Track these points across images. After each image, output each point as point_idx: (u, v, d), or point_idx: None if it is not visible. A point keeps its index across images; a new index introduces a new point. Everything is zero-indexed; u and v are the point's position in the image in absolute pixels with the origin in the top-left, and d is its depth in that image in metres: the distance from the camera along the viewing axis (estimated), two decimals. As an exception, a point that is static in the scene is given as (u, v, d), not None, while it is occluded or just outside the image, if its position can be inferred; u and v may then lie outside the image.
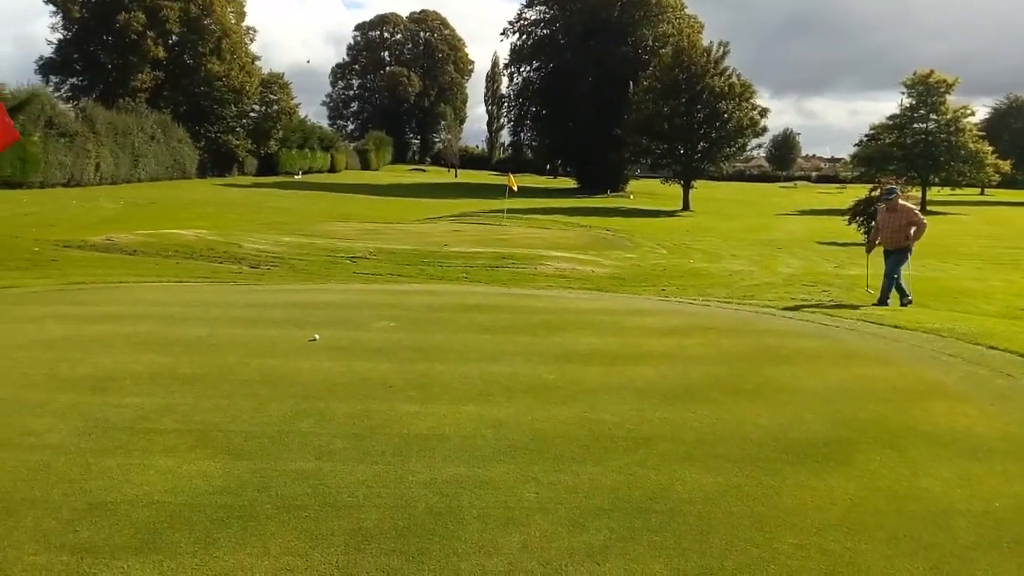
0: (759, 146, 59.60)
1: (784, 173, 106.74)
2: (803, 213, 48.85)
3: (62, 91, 53.53)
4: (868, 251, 12.17)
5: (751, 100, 49.51)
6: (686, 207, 48.96)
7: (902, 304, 11.15)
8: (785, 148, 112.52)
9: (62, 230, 19.70)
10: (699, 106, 48.84)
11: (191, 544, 3.24)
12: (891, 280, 11.09)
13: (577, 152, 64.68)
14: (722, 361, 6.67)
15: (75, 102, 48.51)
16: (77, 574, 2.98)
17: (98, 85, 53.78)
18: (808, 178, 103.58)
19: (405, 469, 4.11)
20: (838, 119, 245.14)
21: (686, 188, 50.42)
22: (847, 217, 26.55)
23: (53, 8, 53.47)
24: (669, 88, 48.39)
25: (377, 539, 3.33)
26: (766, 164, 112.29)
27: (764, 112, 50.53)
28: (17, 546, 3.18)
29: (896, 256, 11.15)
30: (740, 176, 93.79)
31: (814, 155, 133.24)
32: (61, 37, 54.79)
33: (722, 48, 49.34)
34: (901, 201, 11.43)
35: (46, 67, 54.34)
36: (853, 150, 60.01)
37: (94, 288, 10.67)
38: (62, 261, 14.07)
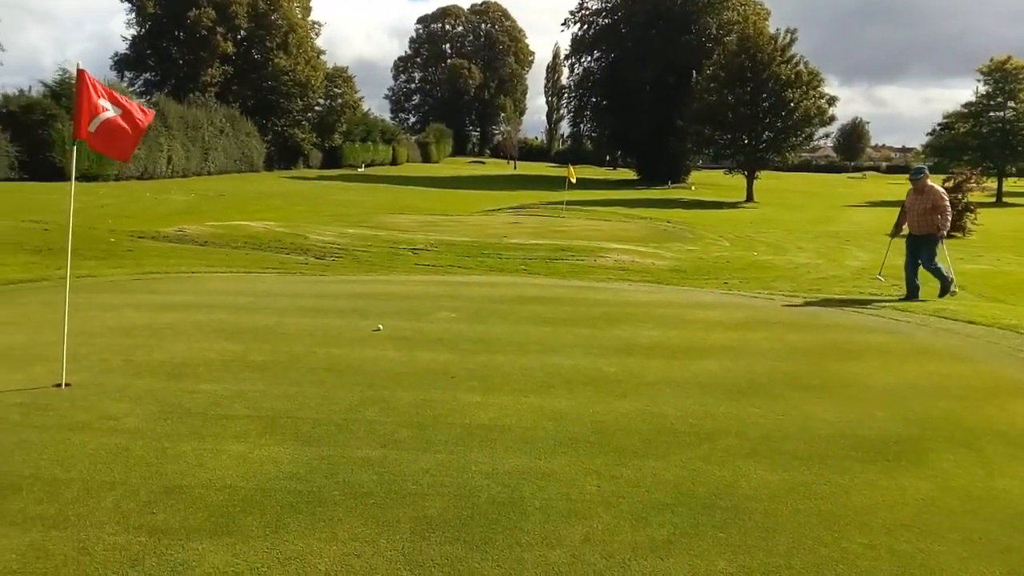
0: (826, 136, 57.88)
1: (852, 163, 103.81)
2: (872, 204, 47.32)
3: (136, 86, 55.39)
4: (893, 235, 11.51)
5: (818, 88, 48.10)
6: (750, 198, 47.98)
7: (941, 295, 10.46)
8: (854, 137, 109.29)
9: (136, 221, 20.41)
10: (764, 95, 47.69)
11: (262, 528, 3.34)
12: (935, 272, 10.50)
13: (637, 143, 63.96)
14: (788, 356, 6.54)
15: (148, 97, 50.17)
16: (155, 554, 3.10)
17: (170, 80, 55.45)
18: (877, 168, 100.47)
19: (467, 459, 4.15)
20: (910, 107, 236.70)
21: (750, 179, 49.39)
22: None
23: (128, 5, 55.36)
24: (733, 77, 47.38)
25: (441, 527, 3.37)
26: (833, 154, 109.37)
27: (832, 100, 49.03)
28: (99, 526, 3.32)
29: (926, 245, 10.39)
30: (806, 167, 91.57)
31: (884, 145, 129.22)
32: (135, 33, 56.70)
33: (789, 35, 48.06)
34: (930, 183, 10.67)
35: (121, 63, 56.29)
36: (925, 139, 57.91)
37: (168, 278, 11.04)
38: (137, 251, 14.58)
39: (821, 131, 51.18)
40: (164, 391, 5.18)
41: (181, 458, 4.07)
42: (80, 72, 5.13)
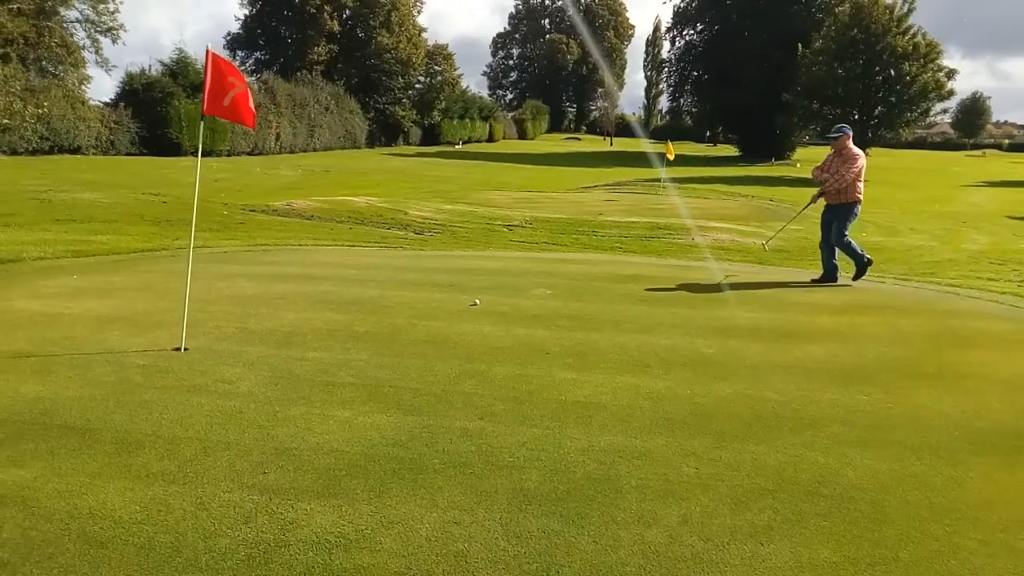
0: (944, 111, 54.42)
1: (971, 141, 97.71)
2: (992, 184, 44.39)
3: (247, 65, 57.63)
4: (812, 201, 9.73)
5: (937, 61, 45.36)
6: (859, 177, 45.94)
7: (857, 276, 9.18)
8: (973, 113, 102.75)
9: (247, 195, 21.32)
10: (878, 68, 45.37)
11: (366, 492, 3.46)
12: (843, 247, 9.09)
13: (740, 118, 61.98)
14: (899, 342, 6.26)
15: (258, 75, 52.08)
16: (267, 512, 3.26)
17: (278, 59, 57.41)
18: (999, 146, 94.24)
19: (563, 434, 4.18)
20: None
21: (860, 156, 47.27)
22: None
23: (241, -15, 57.48)
24: (845, 49, 45.24)
25: (538, 500, 3.42)
26: (951, 131, 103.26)
27: (951, 74, 46.18)
28: (214, 483, 3.52)
29: (837, 215, 9.07)
30: (920, 143, 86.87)
31: (1006, 121, 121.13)
32: (247, 13, 58.87)
33: (907, 5, 45.46)
34: (849, 144, 9.13)
35: (233, 42, 58.67)
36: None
37: (277, 250, 11.51)
38: (248, 224, 15.25)
39: (938, 106, 48.35)
40: (275, 357, 5.43)
41: (291, 422, 4.26)
42: (208, 52, 5.38)
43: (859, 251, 9.18)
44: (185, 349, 5.51)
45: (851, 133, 9.26)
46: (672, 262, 11.62)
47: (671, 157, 31.11)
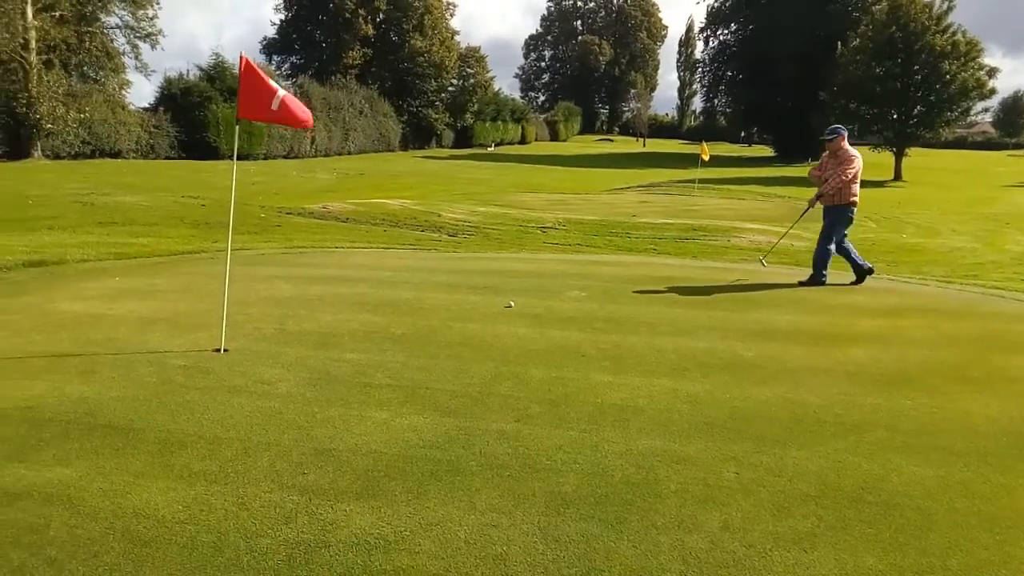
0: (985, 110, 53.26)
1: (1013, 140, 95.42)
2: (1038, 184, 43.39)
3: (283, 69, 58.46)
4: (810, 206, 9.43)
5: (977, 59, 44.31)
6: (897, 176, 45.10)
7: (807, 282, 8.87)
8: (1015, 112, 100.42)
9: (284, 198, 21.59)
10: (916, 67, 44.47)
11: (405, 493, 3.47)
12: (831, 249, 8.84)
13: (775, 118, 61.33)
14: (944, 346, 6.12)
15: (293, 79, 52.76)
16: (307, 513, 3.28)
17: (313, 63, 58.12)
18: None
19: (600, 438, 4.15)
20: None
21: (898, 156, 46.38)
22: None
23: (277, -10, 58.28)
24: (883, 47, 44.43)
25: (576, 504, 3.39)
26: (992, 130, 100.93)
27: (992, 72, 45.05)
28: (255, 483, 3.55)
29: (834, 216, 8.84)
30: (961, 143, 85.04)
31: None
32: (283, 18, 59.64)
33: (946, 3, 44.52)
34: (845, 144, 8.87)
35: (269, 47, 59.54)
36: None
37: (314, 252, 11.63)
38: (285, 226, 15.44)
39: (979, 105, 47.26)
40: (313, 359, 5.47)
41: (329, 423, 4.29)
42: (242, 58, 5.45)
43: (825, 270, 8.97)
44: (225, 350, 5.58)
45: (845, 134, 9.05)
46: (708, 264, 11.51)
47: (706, 158, 30.85)
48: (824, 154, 9.24)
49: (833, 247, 8.90)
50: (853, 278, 9.15)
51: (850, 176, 8.71)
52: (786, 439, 4.18)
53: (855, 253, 9.13)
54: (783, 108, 57.39)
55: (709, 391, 4.95)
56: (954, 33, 43.76)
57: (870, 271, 9.15)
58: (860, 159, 8.89)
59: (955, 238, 18.50)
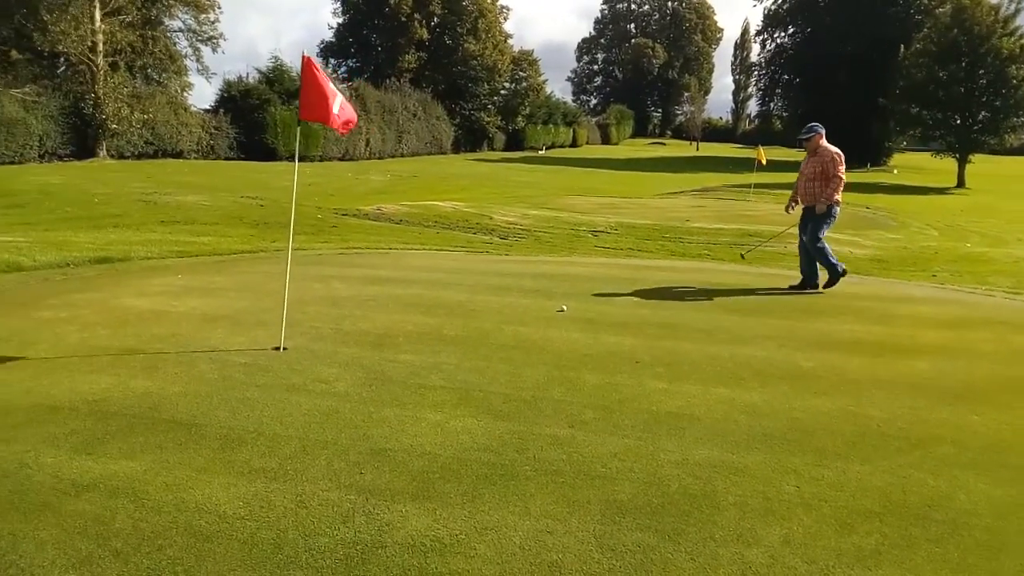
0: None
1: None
2: (1111, 193, 41.62)
3: (339, 73, 59.36)
4: (787, 209, 9.27)
5: (1047, 63, 42.81)
6: (960, 184, 43.80)
7: (828, 284, 8.67)
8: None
9: (339, 200, 21.91)
10: (982, 71, 43.15)
11: (460, 496, 3.48)
12: (816, 252, 8.59)
13: (833, 123, 59.50)
14: (1014, 360, 5.90)
15: (349, 83, 53.54)
16: (364, 513, 3.31)
17: (369, 66, 58.92)
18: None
19: (656, 446, 4.10)
20: None
21: (961, 162, 45.00)
22: None
23: (335, -5, 59.33)
24: (946, 51, 43.23)
25: (632, 513, 3.35)
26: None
27: (1063, 77, 43.42)
28: (313, 482, 3.59)
29: (813, 217, 8.62)
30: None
31: None
32: (340, 22, 60.62)
33: (1014, 5, 43.11)
34: (823, 143, 8.66)
35: (326, 50, 60.56)
36: None
37: (369, 253, 11.76)
38: (341, 227, 15.67)
39: (1049, 111, 45.55)
40: (369, 359, 5.53)
41: (385, 423, 4.33)
42: (305, 59, 5.54)
43: (833, 260, 8.76)
44: (284, 348, 5.67)
45: (823, 132, 8.81)
46: (764, 271, 11.31)
47: (764, 162, 30.36)
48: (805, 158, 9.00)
49: (822, 243, 8.68)
50: (794, 283, 8.98)
51: (843, 174, 8.61)
52: (848, 453, 4.07)
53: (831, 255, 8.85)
54: (841, 113, 56.10)
55: (767, 401, 4.85)
56: (1022, 36, 42.32)
57: (843, 272, 8.82)
58: (842, 155, 8.71)
59: (1022, 248, 17.86)
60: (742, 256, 9.91)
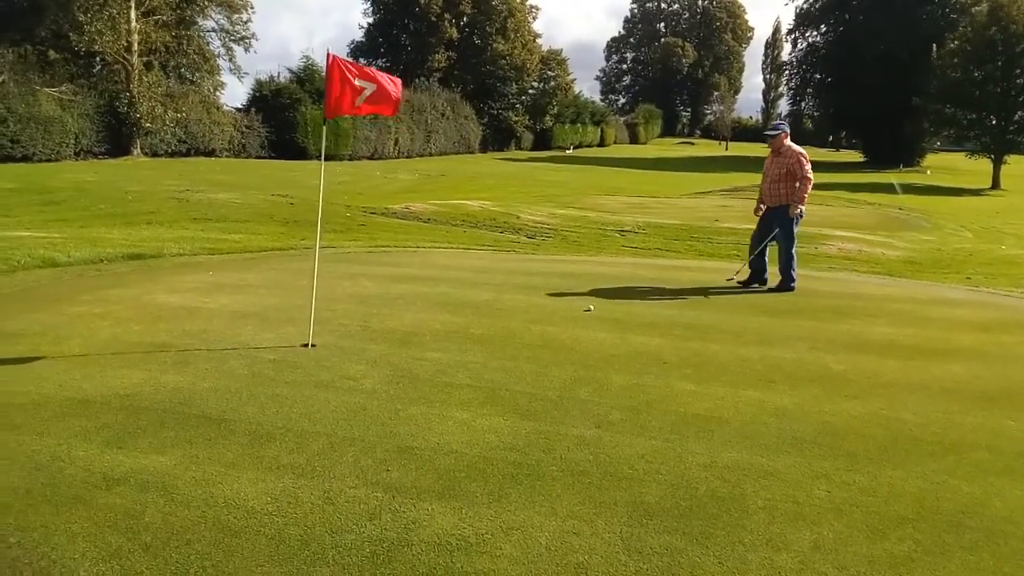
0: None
1: None
2: None
3: (369, 72, 59.62)
4: (756, 212, 9.00)
5: (1088, 62, 41.89)
6: (995, 185, 42.99)
7: (777, 288, 8.53)
8: None
9: (368, 198, 22.05)
10: (1018, 70, 42.32)
11: (486, 495, 3.47)
12: (787, 257, 8.48)
13: (865, 122, 59.29)
14: (1052, 365, 5.77)
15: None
16: (390, 511, 3.31)
17: (399, 66, 59.18)
18: None
19: (683, 448, 4.06)
20: None
21: (997, 163, 44.15)
22: None
23: (365, -6, 59.82)
24: (982, 50, 42.45)
25: (659, 516, 3.32)
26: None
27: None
28: (341, 479, 3.61)
29: (782, 221, 8.47)
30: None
31: None
32: (370, 22, 60.99)
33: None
34: (788, 142, 8.46)
35: (357, 50, 60.94)
36: None
37: (396, 251, 11.82)
38: (369, 226, 15.75)
39: (1087, 112, 44.59)
40: (396, 356, 5.55)
41: (411, 420, 4.33)
42: (330, 57, 5.56)
43: (794, 273, 8.65)
44: (312, 345, 5.71)
45: (788, 131, 8.60)
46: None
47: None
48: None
49: (795, 250, 8.61)
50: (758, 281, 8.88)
51: (811, 174, 8.43)
52: (880, 457, 4.00)
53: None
54: (873, 112, 55.39)
55: (798, 404, 4.79)
56: (1062, 34, 41.47)
57: (792, 289, 8.61)
58: (806, 155, 8.54)
59: (1062, 250, 17.47)
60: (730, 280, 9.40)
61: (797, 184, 8.42)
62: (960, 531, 3.27)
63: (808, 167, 8.45)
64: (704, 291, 8.53)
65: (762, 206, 8.88)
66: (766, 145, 8.97)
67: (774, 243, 8.71)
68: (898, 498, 3.55)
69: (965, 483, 3.73)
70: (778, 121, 8.83)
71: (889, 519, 3.35)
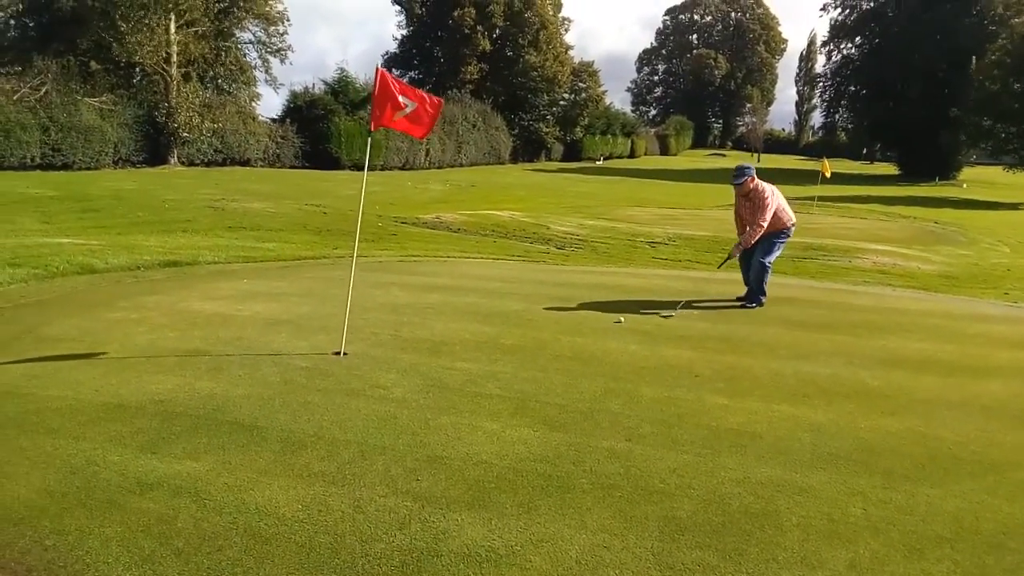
0: None
1: None
2: None
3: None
4: (734, 255, 8.57)
5: None
6: (1036, 199, 42.03)
7: (743, 299, 8.47)
8: None
9: (399, 208, 22.17)
10: (1060, 83, 41.51)
11: (515, 507, 3.45)
12: (761, 270, 8.32)
13: (900, 135, 58.42)
14: (1097, 384, 5.61)
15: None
16: (419, 520, 3.31)
17: (431, 78, 59.61)
18: None
19: (716, 463, 4.01)
20: None
21: (1036, 177, 43.26)
22: None
23: (398, 7, 60.39)
24: (1022, 62, 41.67)
25: (691, 531, 3.28)
26: None
27: None
28: (371, 487, 3.61)
29: (770, 237, 8.32)
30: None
31: None
32: (404, 34, 61.57)
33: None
34: (753, 183, 8.30)
35: (390, 62, 61.49)
36: None
37: (427, 261, 11.87)
38: (400, 235, 15.84)
39: None
40: (426, 366, 5.56)
41: (441, 430, 4.34)
42: (379, 71, 5.67)
43: (766, 287, 8.49)
44: (344, 353, 5.75)
45: (754, 175, 8.42)
46: (828, 285, 11.03)
47: (828, 174, 29.66)
48: (736, 196, 8.70)
49: (769, 263, 8.45)
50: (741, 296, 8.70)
51: (768, 219, 8.23)
52: (918, 476, 3.92)
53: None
54: (909, 125, 54.59)
55: (833, 420, 4.71)
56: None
57: (761, 304, 8.45)
58: (775, 192, 8.40)
59: (1105, 266, 17.02)
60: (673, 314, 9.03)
61: (759, 214, 8.24)
62: (1000, 552, 3.20)
63: (769, 213, 8.23)
64: (736, 303, 8.45)
65: (738, 250, 8.57)
66: (734, 189, 8.69)
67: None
68: (936, 517, 3.48)
69: (1006, 503, 3.65)
70: (743, 165, 8.68)
71: (927, 538, 3.28)
